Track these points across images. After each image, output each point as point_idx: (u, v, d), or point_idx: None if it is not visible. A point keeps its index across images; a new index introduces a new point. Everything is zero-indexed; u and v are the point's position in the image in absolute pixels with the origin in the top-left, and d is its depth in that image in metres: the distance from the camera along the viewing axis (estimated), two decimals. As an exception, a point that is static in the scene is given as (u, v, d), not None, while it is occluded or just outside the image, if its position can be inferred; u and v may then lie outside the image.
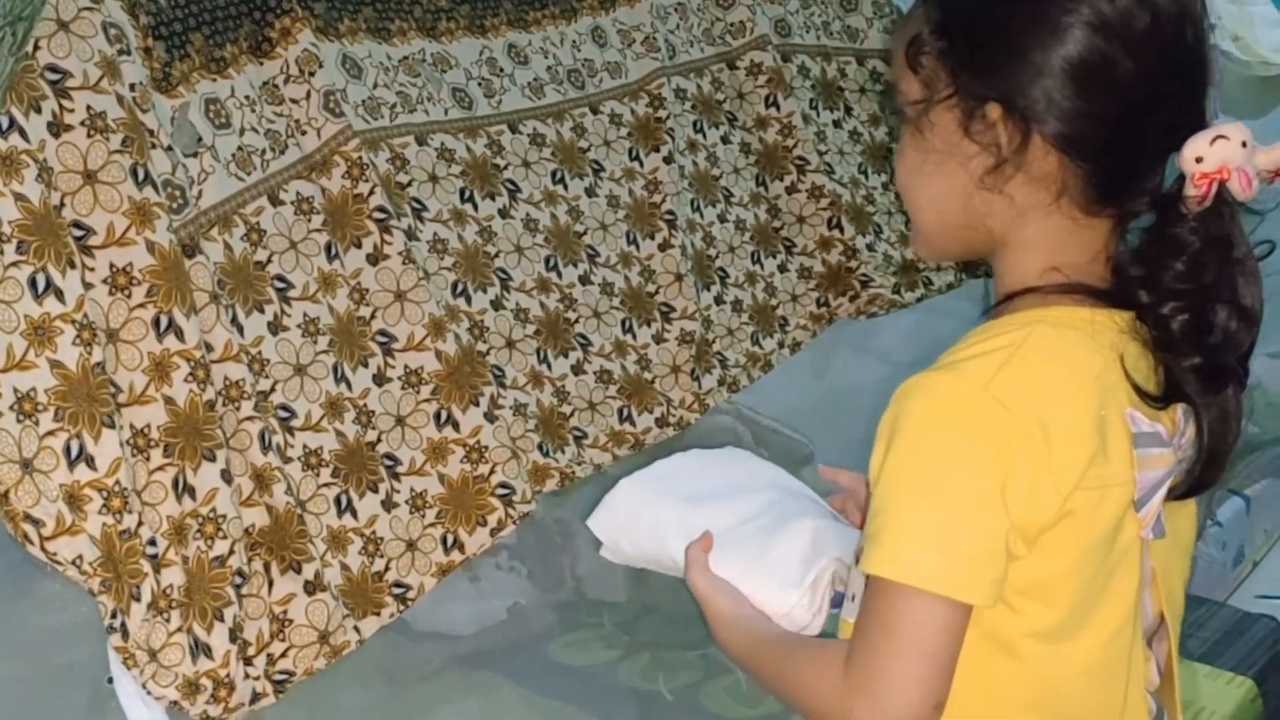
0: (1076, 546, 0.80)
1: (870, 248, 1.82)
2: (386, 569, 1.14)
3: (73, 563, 0.92)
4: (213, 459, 0.99)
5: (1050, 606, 0.81)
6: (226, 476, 1.00)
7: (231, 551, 1.00)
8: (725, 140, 1.72)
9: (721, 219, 1.68)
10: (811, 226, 1.78)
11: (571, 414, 1.38)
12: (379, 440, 1.17)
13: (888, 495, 0.80)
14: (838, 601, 0.99)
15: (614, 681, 1.92)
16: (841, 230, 1.79)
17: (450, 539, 1.19)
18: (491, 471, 1.22)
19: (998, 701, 0.84)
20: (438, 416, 1.21)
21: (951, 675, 0.79)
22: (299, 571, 1.06)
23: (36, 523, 0.90)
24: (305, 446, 1.11)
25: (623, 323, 1.48)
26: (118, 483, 0.94)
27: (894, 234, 1.89)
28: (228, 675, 0.97)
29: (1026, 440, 0.77)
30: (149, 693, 0.95)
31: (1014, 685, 0.84)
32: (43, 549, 0.91)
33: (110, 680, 0.95)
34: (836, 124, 1.88)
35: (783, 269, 1.74)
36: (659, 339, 1.52)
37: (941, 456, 0.79)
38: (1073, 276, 0.82)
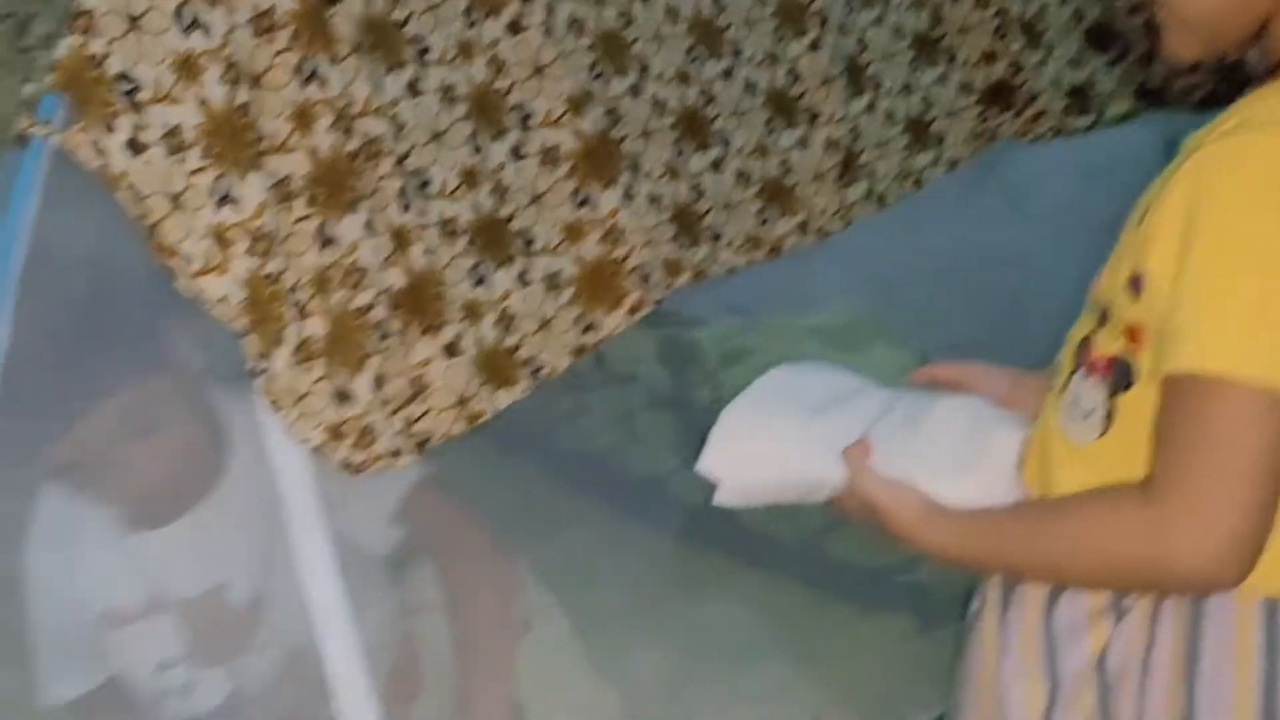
0: None
1: (1040, 64, 1.73)
2: (520, 344, 1.17)
3: (220, 301, 0.96)
4: (355, 210, 1.02)
5: None
6: (369, 228, 1.03)
7: (374, 304, 1.03)
8: (887, -64, 1.64)
9: (878, 22, 1.61)
10: (977, 37, 1.69)
11: (707, 212, 1.37)
12: (514, 216, 1.19)
13: (1195, 283, 0.72)
14: None
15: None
16: (1009, 42, 1.70)
17: (585, 320, 1.21)
18: (628, 255, 1.23)
19: None
20: (574, 196, 1.22)
21: None
22: (437, 334, 1.09)
23: (185, 257, 0.95)
24: (441, 214, 1.13)
25: (765, 123, 1.45)
26: (262, 227, 0.97)
27: (1066, 53, 1.79)
28: (369, 424, 1.02)
29: None
30: (294, 436, 1.00)
31: None
32: (190, 284, 0.96)
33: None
34: (1010, -77, 1.77)
35: (942, 80, 1.66)
36: (803, 144, 1.48)
37: (1268, 228, 0.71)
38: None
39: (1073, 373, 0.88)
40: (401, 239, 1.07)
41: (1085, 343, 0.87)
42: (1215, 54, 0.84)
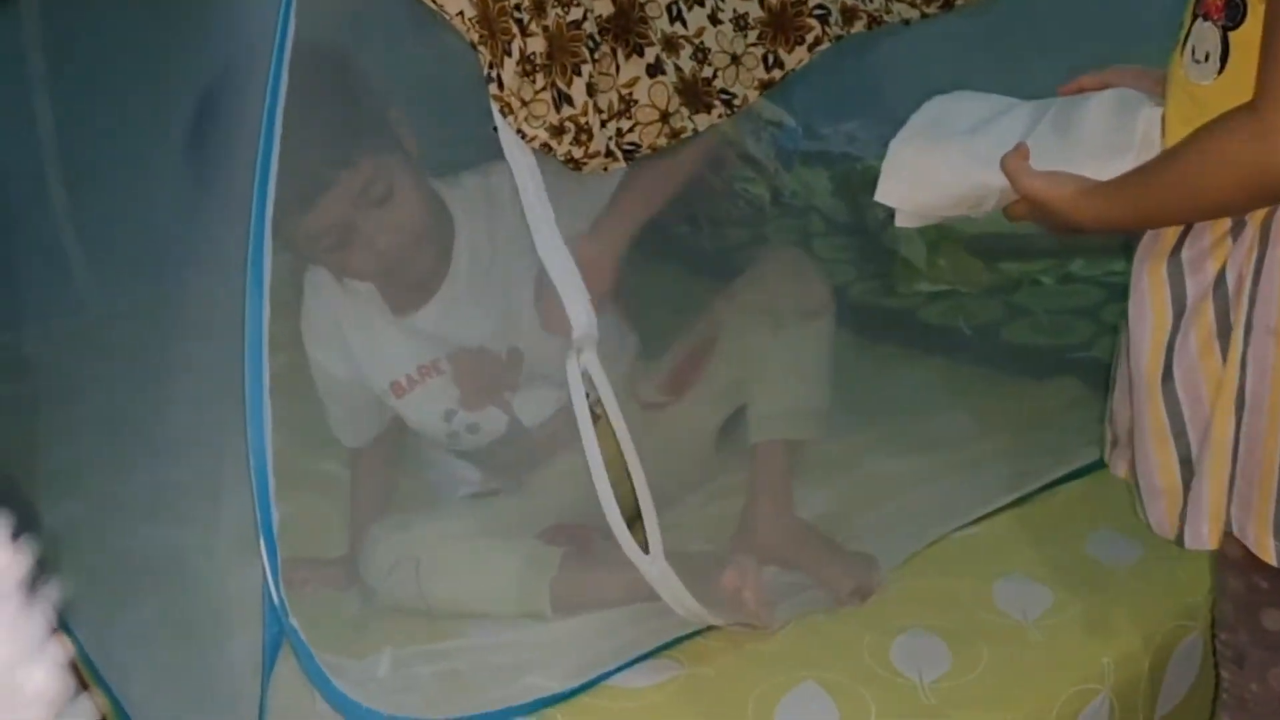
0: None
1: None
2: (714, 76, 1.30)
3: (457, 15, 1.13)
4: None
5: None
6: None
7: (585, 18, 1.18)
8: None
9: None
10: None
11: (883, -32, 1.45)
12: (704, -39, 1.31)
13: None
14: None
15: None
16: None
17: (771, 58, 1.33)
18: (808, -4, 1.34)
19: None
20: (758, -57, 1.33)
21: None
22: (642, 55, 1.23)
23: (428, -25, 1.12)
24: (639, -44, 1.27)
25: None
26: (486, -48, 1.13)
27: None
28: (587, 123, 1.17)
29: None
30: (522, 135, 1.16)
31: None
32: (434, 2, 1.12)
33: (494, 129, 1.17)
34: None
35: None
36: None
37: None
38: None
39: (1192, 24, 0.94)
40: (606, -29, 1.21)
41: None
42: None
